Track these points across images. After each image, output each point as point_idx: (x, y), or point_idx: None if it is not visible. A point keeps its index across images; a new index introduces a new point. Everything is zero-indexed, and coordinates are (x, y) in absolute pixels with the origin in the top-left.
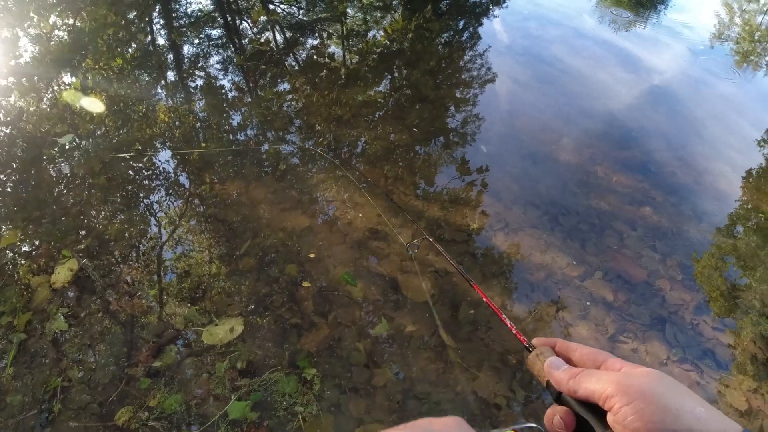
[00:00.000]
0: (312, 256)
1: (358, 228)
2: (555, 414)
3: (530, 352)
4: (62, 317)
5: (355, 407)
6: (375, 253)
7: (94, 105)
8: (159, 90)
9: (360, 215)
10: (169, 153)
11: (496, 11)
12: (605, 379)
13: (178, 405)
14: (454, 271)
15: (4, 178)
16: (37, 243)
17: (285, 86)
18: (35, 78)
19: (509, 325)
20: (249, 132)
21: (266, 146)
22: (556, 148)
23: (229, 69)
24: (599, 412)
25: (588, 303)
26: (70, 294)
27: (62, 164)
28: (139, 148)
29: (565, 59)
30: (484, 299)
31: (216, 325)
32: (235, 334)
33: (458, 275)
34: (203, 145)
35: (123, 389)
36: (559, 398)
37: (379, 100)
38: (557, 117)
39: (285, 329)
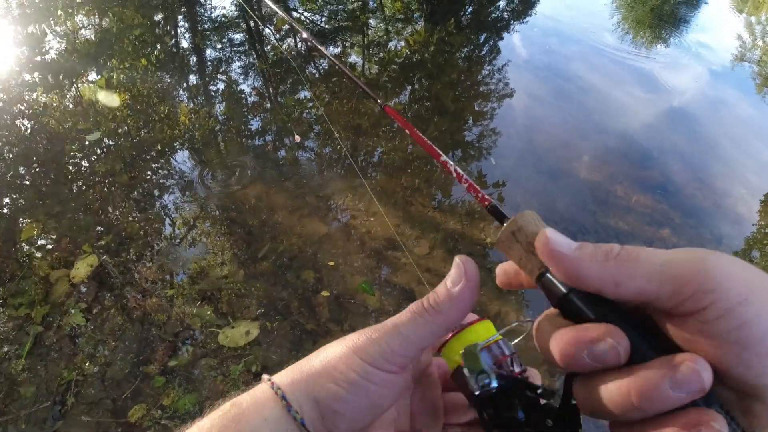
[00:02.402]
0: (331, 264)
1: (376, 237)
2: (601, 337)
3: (500, 221)
4: (80, 312)
5: None
6: (392, 263)
7: (116, 103)
8: (181, 92)
9: (377, 225)
10: (189, 155)
11: (517, 26)
12: (678, 258)
13: (192, 405)
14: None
15: (27, 172)
16: (57, 237)
17: (305, 94)
18: (60, 75)
19: (450, 168)
20: (268, 137)
21: (283, 152)
22: (575, 165)
23: (250, 74)
24: (640, 322)
25: None
26: (89, 289)
27: (86, 161)
28: (160, 148)
29: (584, 76)
30: (406, 129)
31: (232, 327)
32: (251, 337)
33: None
34: (220, 147)
35: (137, 386)
36: (564, 301)
37: (399, 110)
38: (576, 134)
39: (300, 335)
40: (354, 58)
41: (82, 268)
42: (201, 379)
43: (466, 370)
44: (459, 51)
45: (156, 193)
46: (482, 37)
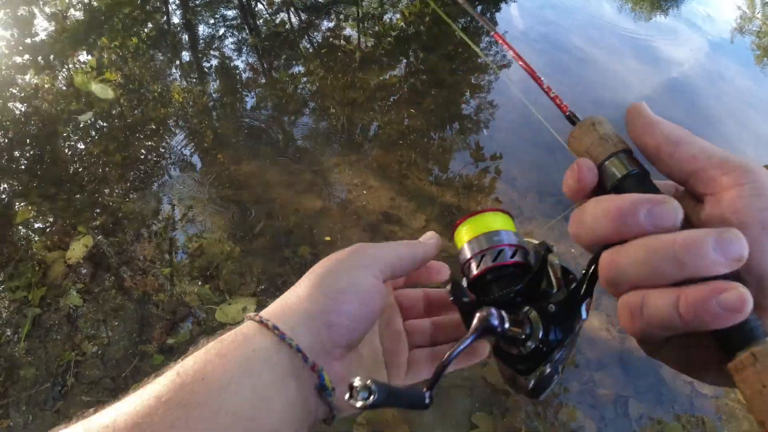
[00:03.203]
0: (328, 239)
1: (372, 211)
2: (664, 199)
3: (573, 123)
4: (76, 293)
5: None
6: (388, 236)
7: (108, 84)
8: (174, 70)
9: (373, 199)
10: (183, 133)
11: None
12: (730, 153)
13: None
14: None
15: (21, 155)
16: (52, 219)
17: (299, 68)
18: (51, 56)
19: (544, 85)
20: (263, 113)
21: (279, 128)
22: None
23: (243, 50)
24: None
25: (599, 293)
26: (85, 270)
27: (78, 142)
28: (153, 127)
29: (582, 48)
30: (518, 59)
31: (229, 304)
32: (248, 313)
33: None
34: (214, 124)
35: (136, 365)
36: (624, 182)
37: (395, 84)
38: (573, 106)
39: None
40: (349, 31)
41: (77, 249)
42: None
43: (483, 239)
44: (455, 22)
45: (149, 172)
46: (479, 8)
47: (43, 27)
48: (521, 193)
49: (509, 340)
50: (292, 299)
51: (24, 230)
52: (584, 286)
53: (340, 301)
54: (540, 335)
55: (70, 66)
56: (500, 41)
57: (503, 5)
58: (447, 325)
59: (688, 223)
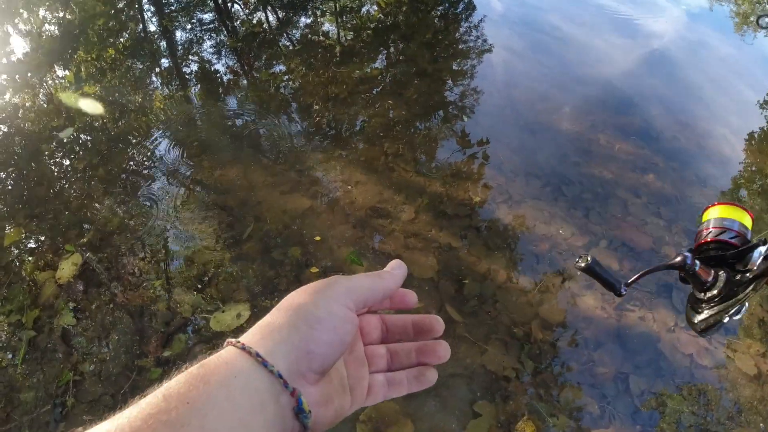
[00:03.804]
0: (318, 238)
1: (360, 207)
2: None
3: None
4: (70, 312)
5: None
6: (378, 231)
7: (88, 98)
8: (153, 78)
9: (361, 194)
10: (166, 142)
11: None
12: None
13: None
14: (458, 245)
15: (4, 176)
16: (40, 239)
17: (280, 67)
18: (28, 74)
19: None
20: (245, 116)
21: (263, 129)
22: (555, 118)
23: (223, 52)
24: None
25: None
26: (77, 288)
27: (61, 159)
28: (136, 138)
29: (560, 27)
30: None
31: (223, 311)
32: (242, 319)
33: (463, 249)
34: (197, 130)
35: (134, 380)
36: None
37: (377, 76)
38: (555, 86)
39: None
40: (327, 26)
41: (66, 268)
42: None
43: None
44: (433, 10)
45: (134, 184)
46: None
47: (19, 45)
48: (509, 177)
49: (695, 280)
50: (272, 327)
51: (14, 252)
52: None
53: (318, 330)
54: (721, 289)
55: (49, 82)
56: None
57: None
58: (401, 352)
59: None
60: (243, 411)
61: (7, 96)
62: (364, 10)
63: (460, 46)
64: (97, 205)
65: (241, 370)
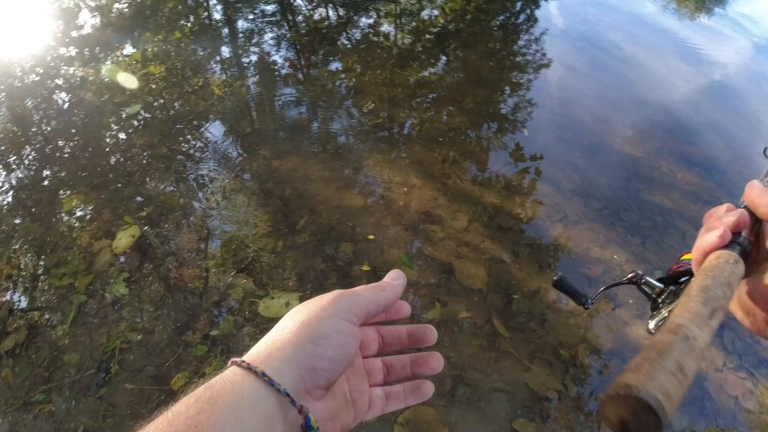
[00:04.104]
0: (371, 237)
1: (414, 210)
2: None
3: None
4: (123, 282)
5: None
6: (429, 236)
7: (152, 78)
8: (214, 64)
9: (415, 197)
10: (224, 127)
11: None
12: None
13: None
14: (509, 259)
15: (67, 145)
16: (98, 209)
17: (338, 65)
18: (96, 48)
19: None
20: (302, 109)
21: (320, 124)
22: (617, 140)
23: (283, 45)
24: None
25: (645, 302)
26: (131, 259)
27: (125, 133)
28: (197, 121)
29: (622, 47)
30: None
31: (272, 298)
32: (290, 308)
33: (514, 264)
34: (255, 119)
35: (180, 355)
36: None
37: (434, 81)
38: (615, 107)
39: None
40: (386, 27)
41: (123, 239)
42: (242, 348)
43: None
44: (495, 19)
45: (194, 165)
46: (519, 5)
47: (88, 20)
48: (566, 196)
49: (646, 294)
50: (276, 344)
51: (70, 218)
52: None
53: (324, 346)
54: (658, 294)
55: (117, 59)
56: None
57: (543, 2)
58: (396, 365)
59: None
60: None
61: (72, 69)
62: (425, 14)
63: (518, 59)
64: (157, 181)
65: (248, 390)
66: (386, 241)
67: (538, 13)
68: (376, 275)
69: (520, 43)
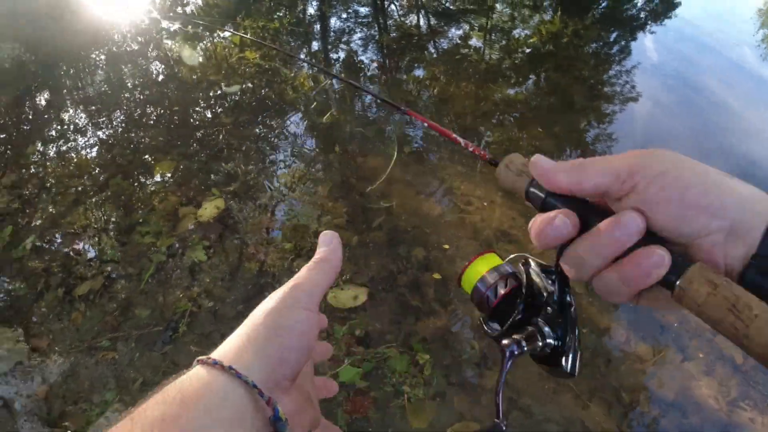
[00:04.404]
0: (446, 247)
1: (491, 227)
2: (555, 216)
3: (495, 165)
4: (203, 249)
5: (459, 402)
6: (502, 256)
7: (248, 62)
8: (303, 56)
9: (494, 215)
10: (312, 119)
11: (653, 27)
12: (617, 158)
13: None
14: (582, 292)
15: (164, 113)
16: (189, 177)
17: (423, 72)
18: (200, 28)
19: (460, 142)
20: (383, 112)
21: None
22: None
23: (371, 46)
24: (597, 208)
25: (715, 359)
26: (213, 230)
27: (219, 110)
28: (288, 107)
29: (715, 90)
30: (425, 122)
31: (342, 289)
32: (359, 302)
33: (587, 297)
34: (341, 115)
35: None
36: (544, 203)
37: (521, 100)
38: (705, 153)
39: (405, 309)
40: (475, 41)
41: (209, 209)
42: None
43: (480, 285)
44: (588, 46)
45: (280, 150)
46: (613, 35)
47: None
48: None
49: (534, 352)
50: (242, 339)
51: (161, 182)
52: (562, 282)
53: (289, 337)
54: (552, 336)
55: (216, 39)
56: (412, 115)
57: (640, 35)
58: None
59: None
60: (224, 426)
61: (172, 43)
62: (515, 33)
63: (607, 88)
64: (246, 161)
65: (216, 385)
66: (460, 252)
67: (633, 44)
68: (445, 286)
69: (611, 72)
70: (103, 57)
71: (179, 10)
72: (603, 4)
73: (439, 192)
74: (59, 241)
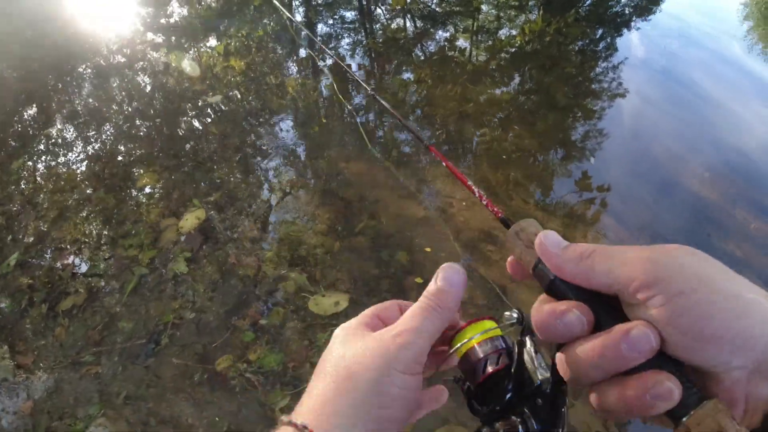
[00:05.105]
0: (428, 250)
1: (473, 228)
2: (569, 309)
3: (508, 227)
4: (185, 261)
5: (444, 406)
6: (486, 256)
7: (232, 71)
8: (290, 64)
9: (476, 215)
10: (295, 125)
11: (638, 23)
12: (633, 258)
13: (276, 364)
14: None
15: (144, 125)
16: (170, 188)
17: (410, 75)
18: (183, 38)
19: (478, 195)
20: (371, 116)
21: (382, 132)
22: (691, 181)
23: (358, 51)
24: (610, 305)
25: None
26: (194, 240)
27: (201, 121)
28: (268, 116)
29: (703, 85)
30: (444, 163)
31: (323, 296)
32: (340, 308)
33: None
34: (325, 120)
35: (227, 338)
36: (551, 287)
37: (506, 100)
38: (693, 146)
39: None
40: (462, 42)
41: (190, 220)
42: (287, 340)
43: (471, 355)
44: (573, 44)
45: (262, 158)
46: (599, 32)
47: (177, 10)
48: (633, 233)
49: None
50: (336, 403)
51: (142, 194)
52: (558, 378)
53: (393, 408)
54: (536, 430)
55: (201, 49)
56: (434, 153)
57: (625, 30)
58: None
59: (618, 314)
60: None
61: (158, 54)
62: (502, 33)
63: (594, 86)
64: (227, 170)
65: None
66: (442, 255)
67: (619, 41)
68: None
69: (598, 69)
70: (88, 70)
71: (163, 21)
72: (587, 2)
73: (421, 195)
74: (43, 256)
